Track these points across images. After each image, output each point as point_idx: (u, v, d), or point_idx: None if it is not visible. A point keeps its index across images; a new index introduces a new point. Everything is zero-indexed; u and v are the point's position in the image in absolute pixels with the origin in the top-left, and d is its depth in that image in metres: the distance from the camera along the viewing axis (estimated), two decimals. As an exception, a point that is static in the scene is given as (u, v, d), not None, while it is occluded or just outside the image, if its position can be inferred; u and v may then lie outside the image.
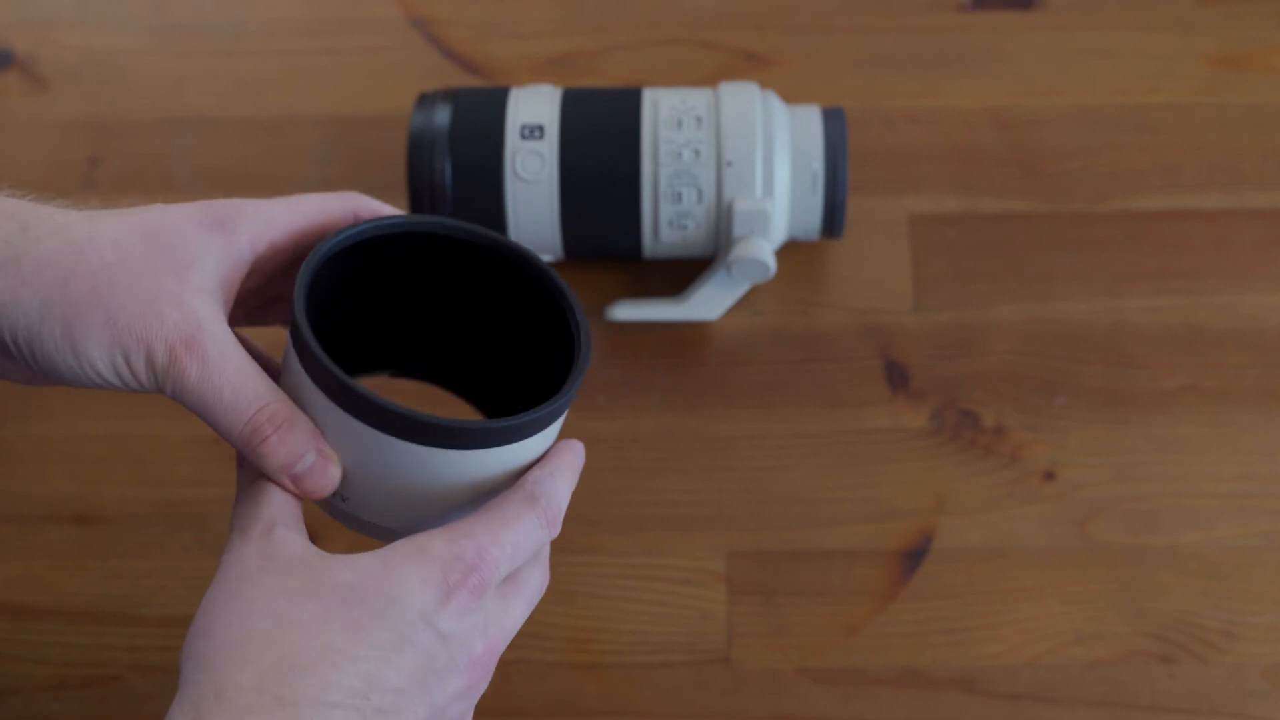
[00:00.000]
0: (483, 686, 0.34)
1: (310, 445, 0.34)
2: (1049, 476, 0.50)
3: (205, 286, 0.34)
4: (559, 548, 0.48)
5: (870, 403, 0.51)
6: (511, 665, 0.47)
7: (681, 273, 0.53)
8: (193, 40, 0.58)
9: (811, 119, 0.50)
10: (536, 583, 0.36)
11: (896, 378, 0.51)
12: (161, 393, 0.34)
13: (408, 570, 0.32)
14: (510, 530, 0.34)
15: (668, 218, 0.50)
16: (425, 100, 0.51)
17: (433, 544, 0.33)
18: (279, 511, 0.34)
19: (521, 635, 0.47)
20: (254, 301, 0.38)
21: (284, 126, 0.56)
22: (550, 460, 0.36)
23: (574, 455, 0.37)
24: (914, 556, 0.49)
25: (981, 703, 0.47)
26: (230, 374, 0.33)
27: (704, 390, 0.51)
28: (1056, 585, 0.48)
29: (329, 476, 0.34)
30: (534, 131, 0.49)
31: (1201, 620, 0.48)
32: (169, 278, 0.33)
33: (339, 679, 0.31)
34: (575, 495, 0.48)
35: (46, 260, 0.33)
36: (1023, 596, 0.48)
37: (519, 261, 0.37)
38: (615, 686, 0.47)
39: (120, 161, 0.56)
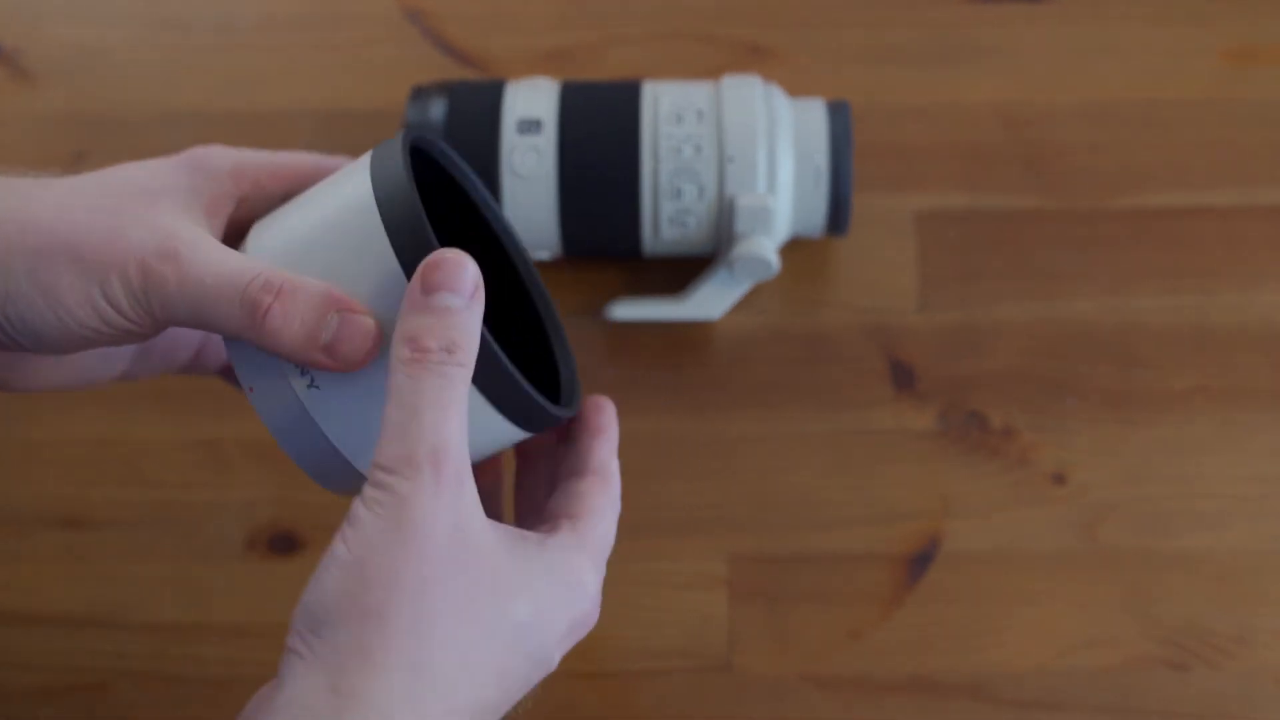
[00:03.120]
0: None
1: (328, 304, 0.29)
2: (1057, 479, 0.49)
3: (176, 209, 0.31)
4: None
5: (875, 403, 0.50)
6: None
7: (682, 271, 0.52)
8: (183, 34, 0.57)
9: (816, 113, 0.50)
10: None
11: (902, 378, 0.51)
12: (155, 322, 0.31)
13: (564, 612, 0.31)
14: (612, 533, 0.34)
15: (668, 214, 0.49)
16: (420, 94, 0.50)
17: (584, 571, 0.32)
18: (464, 440, 0.29)
19: None
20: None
21: (276, 121, 0.56)
22: (614, 437, 0.36)
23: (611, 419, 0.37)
24: (920, 560, 0.48)
25: (989, 709, 0.46)
26: (212, 264, 0.30)
27: (705, 391, 0.51)
28: (1065, 589, 0.48)
29: (366, 332, 0.29)
30: (531, 126, 0.49)
31: (1213, 625, 0.47)
32: (134, 205, 0.31)
33: None
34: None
35: (7, 215, 0.30)
36: (1030, 601, 0.48)
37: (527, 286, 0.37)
38: (614, 694, 0.47)
39: (108, 157, 0.55)
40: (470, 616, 0.29)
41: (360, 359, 0.30)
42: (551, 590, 0.31)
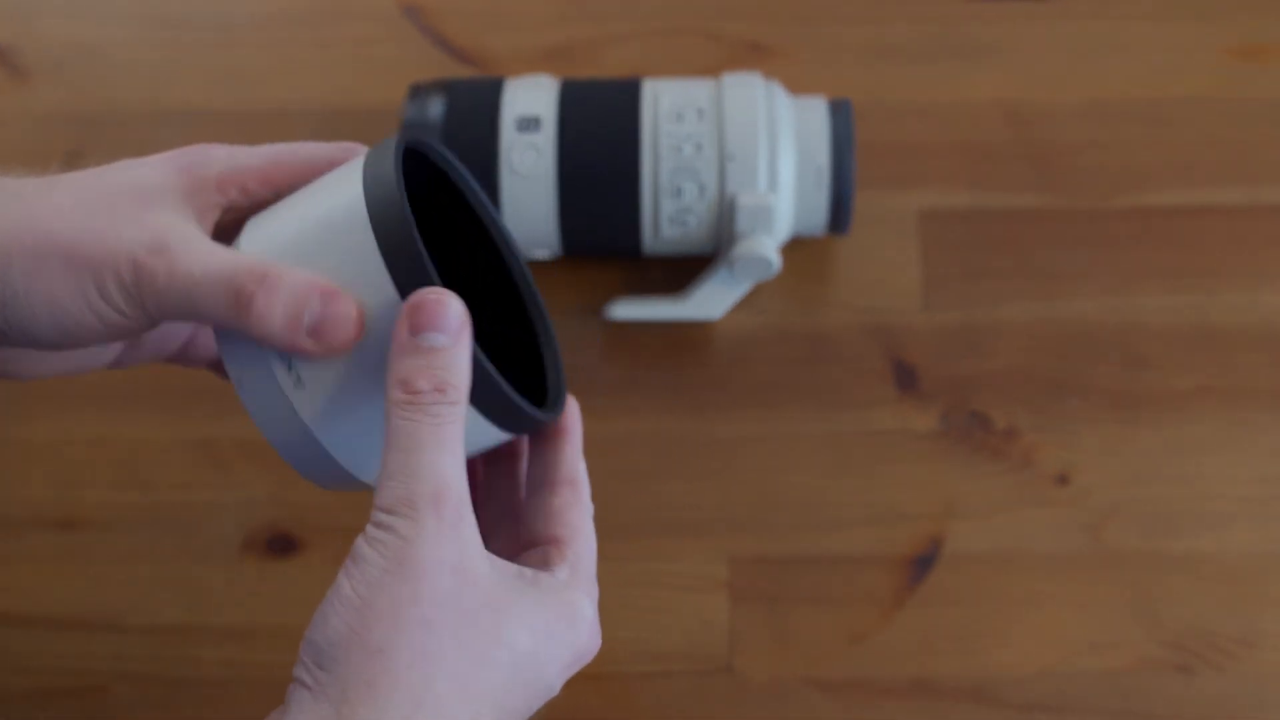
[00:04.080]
0: None
1: (310, 289, 0.30)
2: (1061, 480, 0.49)
3: (168, 207, 0.32)
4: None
5: (877, 404, 0.50)
6: None
7: (682, 270, 0.52)
8: (179, 31, 0.57)
9: (817, 111, 0.50)
10: None
11: (904, 378, 0.51)
12: (149, 317, 0.32)
13: (563, 641, 0.32)
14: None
15: (668, 213, 0.49)
16: (418, 92, 0.50)
17: (582, 605, 0.33)
18: (463, 478, 0.30)
19: None
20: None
21: (273, 119, 0.55)
22: (575, 444, 0.35)
23: (574, 424, 0.36)
24: (922, 562, 0.48)
25: (992, 713, 0.46)
26: (202, 257, 0.31)
27: (705, 391, 0.50)
28: (1069, 592, 0.48)
29: (348, 315, 0.30)
30: (530, 124, 0.48)
31: (1218, 627, 0.47)
32: (126, 204, 0.31)
33: None
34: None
35: (2, 215, 0.31)
36: (1034, 603, 0.47)
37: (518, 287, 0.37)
38: (614, 697, 0.46)
39: (103, 155, 0.55)
40: (470, 650, 0.30)
41: (343, 343, 0.31)
42: (550, 624, 0.32)
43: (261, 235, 0.33)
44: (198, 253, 0.31)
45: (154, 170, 0.33)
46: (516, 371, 0.37)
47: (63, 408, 0.50)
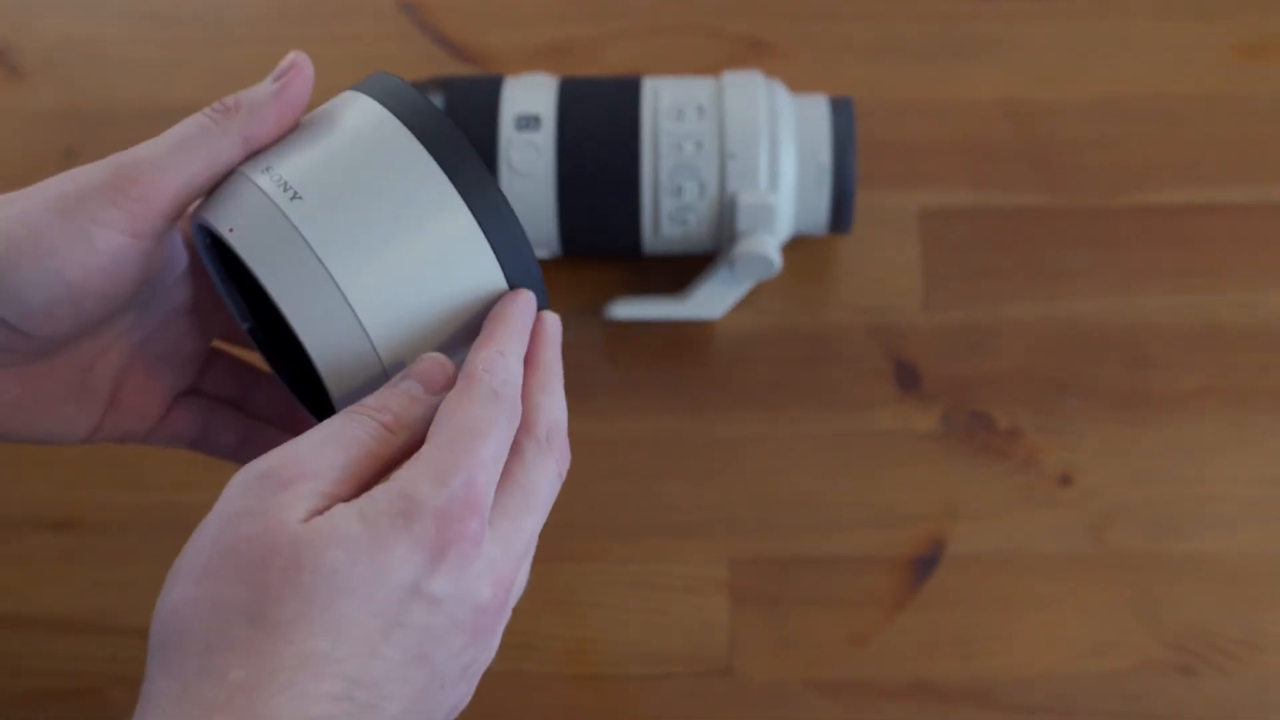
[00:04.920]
0: (500, 622, 0.31)
1: (263, 83, 0.33)
2: (1064, 480, 0.49)
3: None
4: (553, 556, 0.47)
5: (878, 404, 0.50)
6: (505, 677, 0.46)
7: (683, 269, 0.52)
8: (175, 28, 0.57)
9: (818, 110, 0.49)
10: (550, 483, 0.32)
11: (906, 378, 0.50)
12: (151, 210, 0.32)
13: (397, 540, 0.29)
14: (487, 442, 0.30)
15: (668, 212, 0.48)
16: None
17: (419, 490, 0.29)
18: (325, 462, 0.29)
19: (515, 646, 0.47)
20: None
21: (270, 117, 0.55)
22: (495, 337, 0.32)
23: (522, 320, 0.33)
24: (924, 564, 0.48)
25: (994, 715, 0.46)
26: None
27: (706, 391, 0.50)
28: (1072, 593, 0.47)
29: (291, 56, 0.33)
30: (529, 122, 0.48)
31: (1222, 630, 0.47)
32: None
33: (318, 687, 0.28)
34: (571, 501, 0.47)
35: None
36: (1037, 605, 0.47)
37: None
38: (613, 699, 0.46)
39: (98, 153, 0.54)
40: (262, 588, 0.28)
41: (301, 72, 0.33)
42: (370, 526, 0.29)
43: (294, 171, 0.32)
44: (162, 136, 0.32)
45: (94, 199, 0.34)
46: None
47: (58, 408, 0.50)
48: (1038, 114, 0.55)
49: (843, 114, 0.49)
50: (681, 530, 0.48)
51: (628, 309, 0.51)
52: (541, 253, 0.51)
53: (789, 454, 0.49)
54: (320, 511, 0.29)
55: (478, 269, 0.32)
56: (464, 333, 0.33)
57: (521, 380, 0.32)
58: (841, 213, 0.50)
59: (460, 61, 0.56)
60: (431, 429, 0.31)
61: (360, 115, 0.33)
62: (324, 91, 0.56)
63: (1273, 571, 0.48)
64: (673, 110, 0.48)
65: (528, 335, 0.33)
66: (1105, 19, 0.56)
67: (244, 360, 0.40)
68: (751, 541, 0.48)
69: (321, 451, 0.30)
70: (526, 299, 0.33)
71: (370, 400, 0.31)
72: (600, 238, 0.50)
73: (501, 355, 0.32)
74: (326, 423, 0.31)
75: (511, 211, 0.32)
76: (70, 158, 0.54)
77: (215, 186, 0.33)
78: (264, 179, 0.32)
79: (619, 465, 0.49)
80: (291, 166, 0.32)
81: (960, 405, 0.50)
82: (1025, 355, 0.51)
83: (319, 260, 0.31)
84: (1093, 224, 0.53)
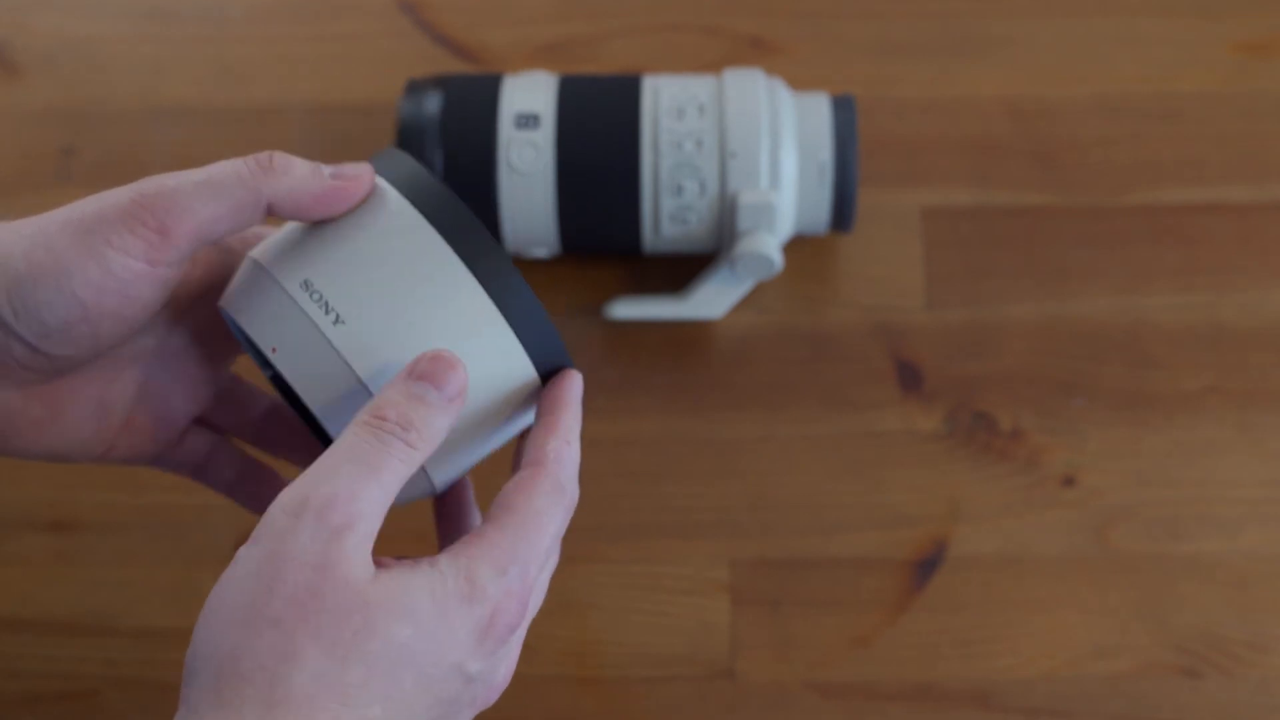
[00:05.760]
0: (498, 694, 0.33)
1: (316, 165, 0.32)
2: (1068, 482, 0.48)
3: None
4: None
5: (880, 404, 0.50)
6: None
7: (683, 269, 0.51)
8: (172, 26, 0.57)
9: (819, 108, 0.49)
10: (550, 571, 0.35)
11: (908, 378, 0.50)
12: (171, 244, 0.32)
13: (461, 624, 0.30)
14: (546, 535, 0.32)
15: (669, 211, 0.48)
16: (415, 88, 0.49)
17: (480, 575, 0.31)
18: (369, 502, 0.30)
19: None
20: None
21: (267, 115, 0.55)
22: (563, 425, 0.33)
23: (579, 404, 0.34)
24: (926, 565, 0.47)
25: (996, 717, 0.46)
26: (202, 169, 0.32)
27: (707, 391, 0.50)
28: (1075, 595, 0.47)
29: (360, 167, 0.32)
30: (529, 121, 0.48)
31: (1226, 632, 0.46)
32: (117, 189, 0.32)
33: None
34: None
35: None
36: (1040, 607, 0.47)
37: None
38: (614, 701, 0.46)
39: (96, 152, 0.55)
40: (334, 647, 0.29)
41: (365, 187, 0.32)
42: (441, 605, 0.30)
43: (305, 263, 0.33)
44: (196, 170, 0.32)
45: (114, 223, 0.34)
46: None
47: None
48: (1041, 112, 0.54)
49: (844, 112, 0.49)
50: (682, 531, 0.48)
51: (628, 309, 0.50)
52: (541, 252, 0.50)
53: (790, 455, 0.49)
54: (375, 562, 0.30)
55: (513, 370, 0.33)
56: (504, 426, 0.35)
57: (578, 466, 0.34)
58: (843, 211, 0.49)
59: (459, 59, 0.56)
60: (495, 505, 0.32)
61: (390, 218, 0.33)
62: (322, 89, 0.56)
63: (1278, 574, 0.47)
64: (673, 108, 0.48)
65: (580, 414, 0.34)
66: (1108, 16, 0.56)
67: (257, 391, 0.40)
68: (753, 543, 0.48)
69: (365, 486, 0.30)
70: (579, 382, 0.34)
71: (390, 412, 0.31)
72: (600, 237, 0.49)
73: (568, 445, 0.33)
74: (351, 439, 0.31)
75: (530, 295, 0.33)
76: (68, 156, 0.54)
77: (244, 277, 0.34)
78: (304, 297, 0.32)
79: (619, 466, 0.49)
80: (330, 282, 0.32)
81: (963, 406, 0.50)
82: (1028, 355, 0.50)
83: (365, 387, 0.32)
84: (1096, 223, 0.52)
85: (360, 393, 0.32)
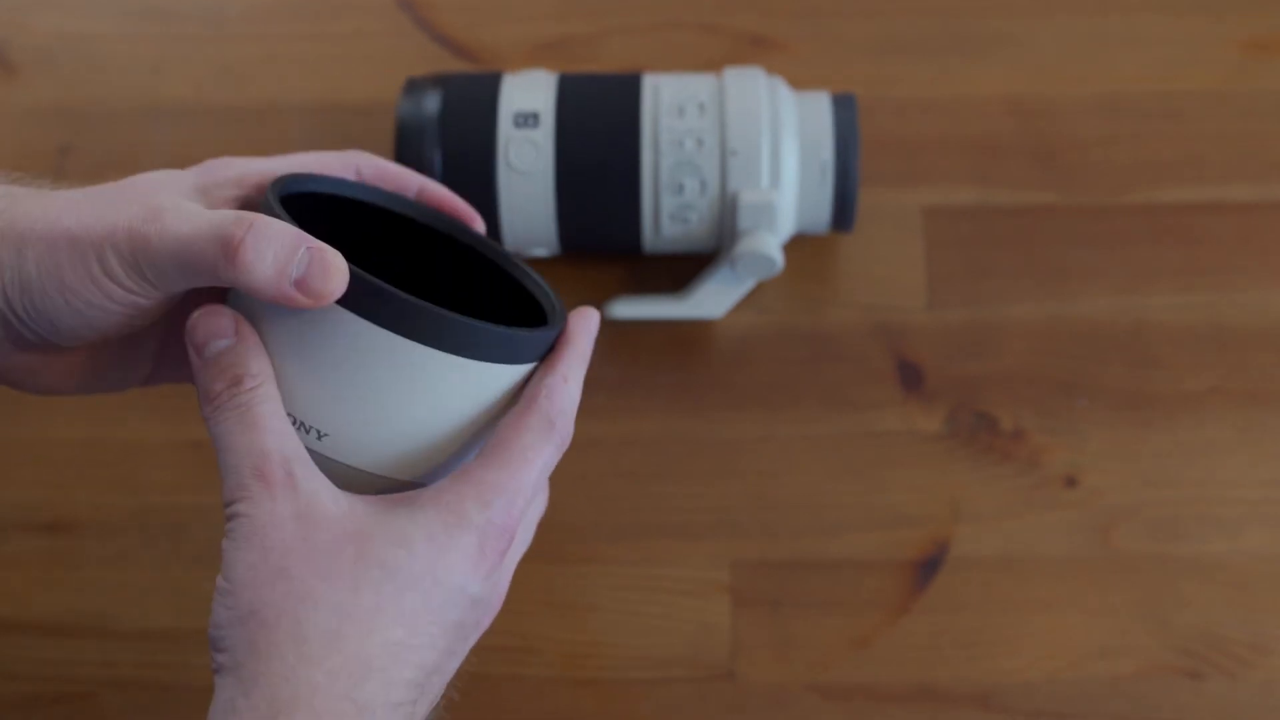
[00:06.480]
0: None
1: (296, 240, 0.31)
2: (1069, 482, 0.48)
3: (175, 192, 0.34)
4: (553, 558, 0.47)
5: (881, 404, 0.49)
6: (504, 681, 0.46)
7: (683, 268, 0.51)
8: (170, 25, 0.56)
9: (820, 106, 0.49)
10: (539, 508, 0.36)
11: (909, 378, 0.50)
12: (151, 285, 0.33)
13: (453, 547, 0.32)
14: (533, 469, 0.33)
15: (669, 210, 0.48)
16: (414, 86, 0.49)
17: (465, 507, 0.32)
18: (285, 442, 0.32)
19: (515, 650, 0.46)
20: None
21: (266, 114, 0.55)
22: (562, 361, 0.34)
23: (587, 341, 0.35)
24: (928, 566, 0.47)
25: (998, 719, 0.45)
26: (190, 217, 0.32)
27: (707, 391, 0.50)
28: (1077, 596, 0.47)
29: (335, 267, 0.31)
30: (528, 119, 0.48)
31: (1229, 633, 0.46)
32: (134, 193, 0.33)
33: (401, 674, 0.32)
34: (570, 502, 0.47)
35: (23, 214, 0.33)
36: (1042, 608, 0.47)
37: (477, 249, 0.37)
38: (614, 703, 0.46)
39: (93, 151, 0.55)
40: (339, 580, 0.31)
41: (329, 292, 0.31)
42: (430, 533, 0.32)
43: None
44: (188, 214, 0.32)
45: (173, 172, 0.35)
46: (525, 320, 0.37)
47: (52, 409, 0.50)
48: (1042, 111, 0.54)
49: (845, 111, 0.49)
50: (682, 532, 0.48)
51: (628, 308, 0.50)
52: (541, 251, 0.50)
53: (791, 455, 0.49)
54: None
55: (499, 379, 0.34)
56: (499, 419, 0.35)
57: (577, 404, 0.34)
58: (844, 211, 0.49)
59: (458, 58, 0.56)
60: (485, 455, 0.33)
61: (343, 334, 0.33)
62: (321, 88, 0.55)
63: (1281, 574, 0.47)
64: (673, 107, 0.48)
65: (589, 355, 0.35)
66: (1110, 15, 0.56)
67: None
68: (753, 544, 0.48)
69: (264, 438, 0.32)
70: (593, 320, 0.36)
71: (217, 386, 0.33)
72: (600, 236, 0.49)
73: (565, 382, 0.34)
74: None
75: (464, 321, 0.32)
76: (65, 155, 0.54)
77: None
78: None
79: (619, 466, 0.49)
80: (304, 409, 0.33)
81: (964, 406, 0.50)
82: (1030, 355, 0.50)
83: (367, 472, 0.34)
84: (1098, 222, 0.52)
85: (364, 476, 0.34)
